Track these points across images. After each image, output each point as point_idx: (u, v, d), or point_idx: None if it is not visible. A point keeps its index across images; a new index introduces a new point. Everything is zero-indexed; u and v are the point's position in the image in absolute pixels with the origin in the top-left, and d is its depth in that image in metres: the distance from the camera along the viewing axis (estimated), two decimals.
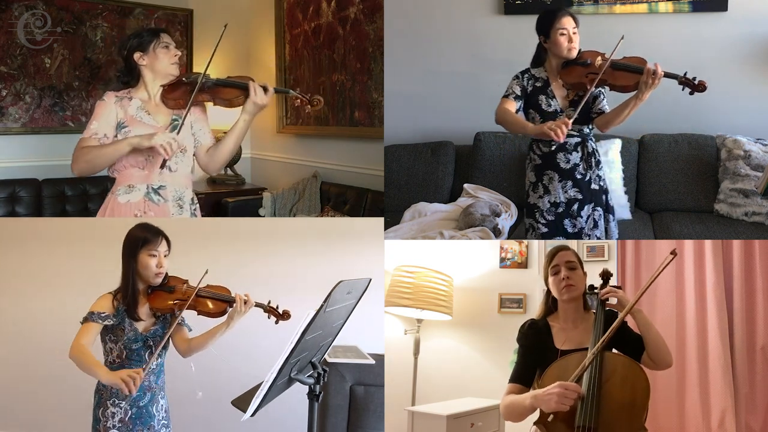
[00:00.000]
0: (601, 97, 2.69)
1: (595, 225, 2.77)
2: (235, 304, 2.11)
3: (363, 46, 4.03)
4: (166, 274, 2.15)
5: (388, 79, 3.88)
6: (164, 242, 2.13)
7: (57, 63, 4.66)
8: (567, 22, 2.61)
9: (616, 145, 3.71)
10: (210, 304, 2.13)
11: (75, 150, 2.41)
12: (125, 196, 2.45)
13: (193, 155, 2.57)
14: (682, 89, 2.52)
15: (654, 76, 2.44)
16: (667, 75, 2.48)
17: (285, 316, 2.16)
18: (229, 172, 5.13)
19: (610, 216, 2.82)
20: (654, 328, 1.96)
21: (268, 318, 2.16)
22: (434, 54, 4.12)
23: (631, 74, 2.52)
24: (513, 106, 2.69)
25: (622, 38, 2.50)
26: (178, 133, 2.40)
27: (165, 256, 2.13)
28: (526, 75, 2.74)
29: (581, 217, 2.74)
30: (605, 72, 2.51)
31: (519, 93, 2.70)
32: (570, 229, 2.74)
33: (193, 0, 5.25)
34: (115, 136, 2.42)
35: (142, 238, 2.10)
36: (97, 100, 2.52)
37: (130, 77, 2.52)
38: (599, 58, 2.58)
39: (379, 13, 3.87)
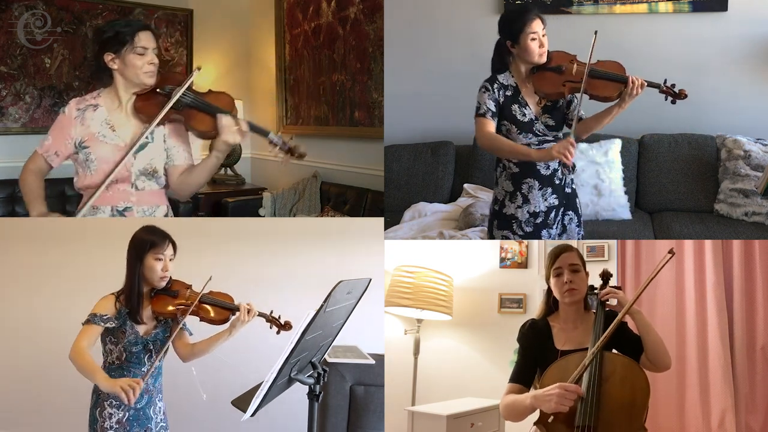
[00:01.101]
0: (575, 102, 2.58)
1: (564, 230, 2.67)
2: (238, 313, 2.10)
3: (363, 46, 4.03)
4: (170, 278, 2.14)
5: (388, 79, 3.88)
6: (171, 246, 2.11)
7: (57, 63, 4.66)
8: (537, 25, 2.44)
9: (616, 145, 3.71)
10: (213, 312, 2.13)
11: (26, 165, 2.36)
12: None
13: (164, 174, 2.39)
14: (665, 98, 2.49)
15: (640, 88, 2.41)
16: (649, 84, 2.44)
17: (286, 326, 2.14)
18: (229, 172, 5.13)
19: (581, 219, 2.73)
20: (653, 330, 1.96)
21: (270, 328, 2.15)
22: (434, 54, 4.12)
23: (611, 83, 2.45)
24: (492, 126, 2.49)
25: (596, 34, 2.41)
26: (136, 152, 2.26)
27: (170, 260, 2.11)
28: (495, 84, 2.53)
29: (555, 225, 2.64)
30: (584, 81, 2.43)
31: (494, 109, 2.50)
32: (546, 239, 2.66)
33: (193, 0, 5.26)
34: (76, 153, 2.30)
35: (149, 242, 2.07)
36: (60, 108, 2.33)
37: (102, 75, 2.29)
38: (575, 64, 2.47)
39: (379, 13, 3.87)
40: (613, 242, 3.30)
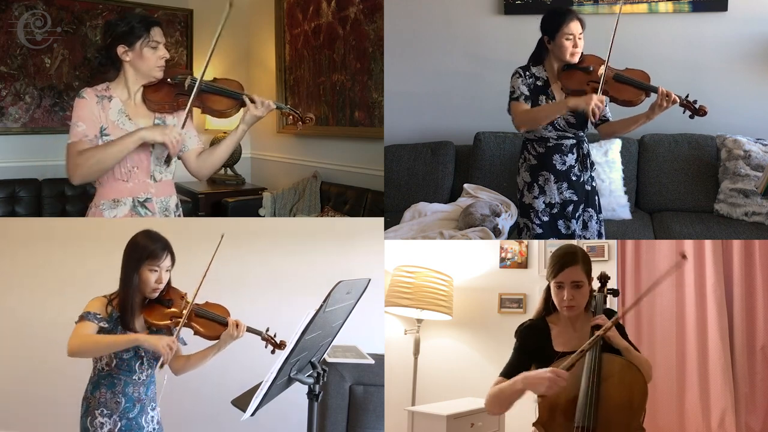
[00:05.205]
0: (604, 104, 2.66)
1: (585, 227, 2.77)
2: (227, 329, 2.05)
3: (363, 46, 4.03)
4: (167, 284, 2.09)
5: (388, 79, 3.88)
6: (169, 258, 2.06)
7: (57, 63, 4.67)
8: (575, 27, 2.56)
9: (616, 145, 3.71)
10: (206, 325, 2.07)
11: (70, 157, 2.22)
12: (111, 212, 2.32)
13: (178, 159, 2.43)
14: (683, 112, 2.53)
15: (668, 100, 2.44)
16: None
17: (281, 346, 2.09)
18: (229, 172, 5.13)
19: (600, 216, 2.83)
20: (642, 360, 1.93)
21: (265, 347, 2.10)
22: (434, 54, 4.12)
23: (634, 89, 2.52)
24: (527, 108, 2.64)
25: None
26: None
27: (167, 270, 2.06)
28: (527, 73, 2.67)
29: (575, 219, 2.75)
30: (608, 83, 2.50)
31: (528, 93, 2.64)
32: (564, 231, 2.74)
33: (193, 0, 5.26)
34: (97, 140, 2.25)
35: (148, 251, 2.02)
36: (76, 98, 2.29)
37: (110, 67, 2.30)
38: (602, 66, 2.54)
39: (379, 13, 3.87)
40: (613, 242, 3.30)
